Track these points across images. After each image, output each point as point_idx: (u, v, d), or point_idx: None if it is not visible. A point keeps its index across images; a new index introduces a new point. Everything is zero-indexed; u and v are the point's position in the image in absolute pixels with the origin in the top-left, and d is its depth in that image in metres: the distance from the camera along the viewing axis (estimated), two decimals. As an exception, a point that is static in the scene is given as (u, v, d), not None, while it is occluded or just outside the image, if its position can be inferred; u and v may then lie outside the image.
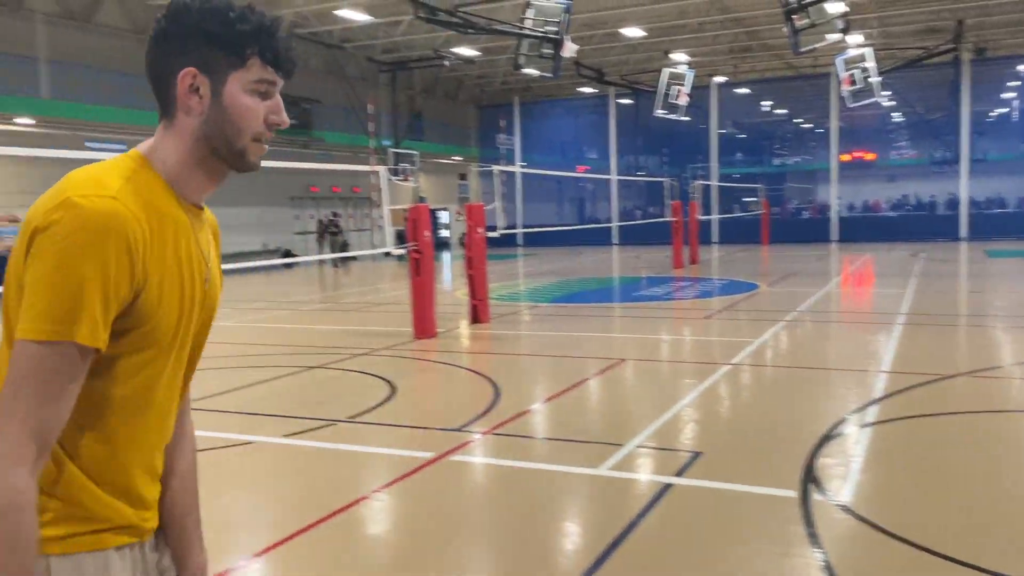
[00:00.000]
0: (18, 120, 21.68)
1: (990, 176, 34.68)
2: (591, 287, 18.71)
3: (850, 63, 27.12)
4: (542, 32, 19.97)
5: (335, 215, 25.58)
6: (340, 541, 4.28)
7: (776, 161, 45.03)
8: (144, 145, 1.49)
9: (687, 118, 28.61)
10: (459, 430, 6.15)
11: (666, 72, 28.79)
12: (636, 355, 9.54)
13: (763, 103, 44.39)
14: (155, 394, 1.49)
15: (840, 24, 18.57)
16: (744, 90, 38.83)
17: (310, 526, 4.34)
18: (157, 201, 1.42)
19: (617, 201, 38.57)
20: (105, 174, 1.38)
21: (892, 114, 41.51)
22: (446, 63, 29.39)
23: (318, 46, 28.41)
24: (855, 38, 29.30)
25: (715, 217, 33.43)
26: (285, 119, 1.51)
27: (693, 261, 22.64)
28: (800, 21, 18.86)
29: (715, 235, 34.40)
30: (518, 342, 10.94)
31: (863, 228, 34.10)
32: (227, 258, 24.40)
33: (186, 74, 1.42)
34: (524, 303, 15.41)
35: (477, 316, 11.93)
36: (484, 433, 6.09)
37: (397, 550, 4.25)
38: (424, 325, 10.73)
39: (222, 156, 1.48)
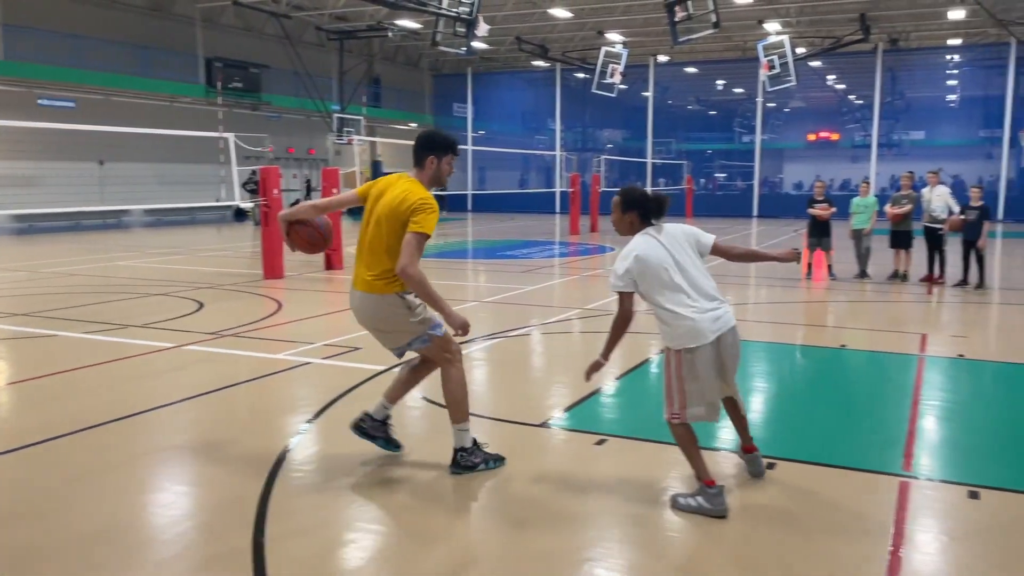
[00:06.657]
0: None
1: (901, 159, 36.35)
2: (480, 246, 20.80)
3: (768, 49, 29.00)
4: (455, 12, 21.89)
5: (253, 173, 26.77)
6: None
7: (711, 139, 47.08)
8: (412, 173, 4.52)
9: (612, 95, 30.54)
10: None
11: (603, 51, 30.66)
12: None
13: (718, 82, 46.29)
14: (362, 242, 4.48)
15: (713, 19, 20.46)
16: (692, 69, 40.62)
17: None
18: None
19: (560, 172, 40.45)
20: (420, 187, 4.43)
21: (850, 96, 43.47)
22: (389, 34, 31.18)
23: (267, 15, 30.12)
24: (773, 26, 31.16)
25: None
26: (449, 172, 4.56)
27: (593, 229, 24.69)
28: (680, 14, 20.79)
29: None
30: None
31: (779, 204, 35.97)
32: (169, 211, 26.53)
33: (432, 158, 4.49)
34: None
35: (331, 263, 14.11)
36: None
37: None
38: (273, 269, 12.88)
39: (438, 181, 4.55)
